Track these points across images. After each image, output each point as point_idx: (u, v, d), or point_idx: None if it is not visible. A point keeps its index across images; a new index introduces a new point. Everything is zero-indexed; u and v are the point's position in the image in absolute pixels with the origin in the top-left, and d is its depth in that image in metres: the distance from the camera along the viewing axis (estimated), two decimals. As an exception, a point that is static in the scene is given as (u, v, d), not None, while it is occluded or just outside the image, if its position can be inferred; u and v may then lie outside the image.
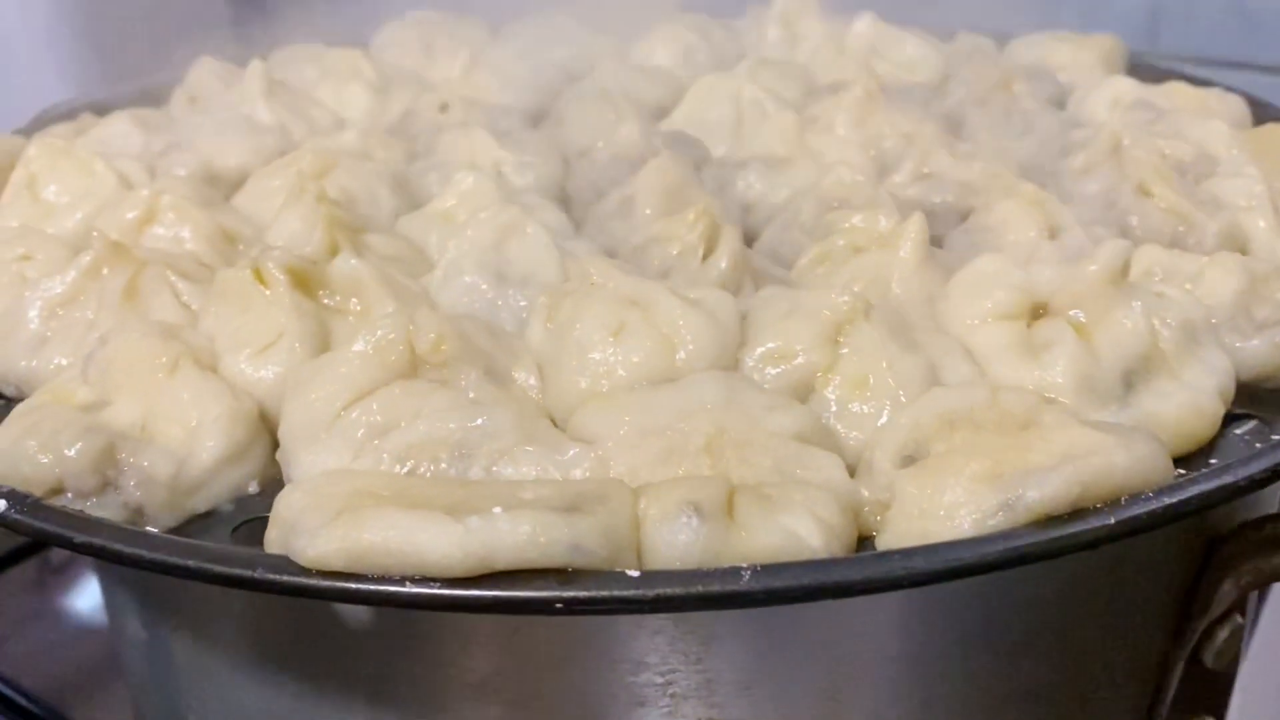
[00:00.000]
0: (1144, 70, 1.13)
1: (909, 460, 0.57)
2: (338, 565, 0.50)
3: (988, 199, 0.78)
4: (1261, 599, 0.86)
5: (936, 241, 0.82)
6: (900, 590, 0.53)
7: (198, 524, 0.59)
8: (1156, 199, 0.78)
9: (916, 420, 0.58)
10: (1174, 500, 0.53)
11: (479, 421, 0.57)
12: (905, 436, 0.58)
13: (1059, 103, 1.07)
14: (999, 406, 0.59)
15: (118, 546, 0.52)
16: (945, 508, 0.53)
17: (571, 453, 0.57)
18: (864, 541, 0.56)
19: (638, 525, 0.52)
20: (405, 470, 0.57)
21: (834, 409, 0.61)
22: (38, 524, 0.54)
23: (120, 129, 0.97)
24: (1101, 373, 0.62)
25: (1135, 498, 0.53)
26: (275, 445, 0.62)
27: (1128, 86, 1.00)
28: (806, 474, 0.56)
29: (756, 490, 0.53)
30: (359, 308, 0.68)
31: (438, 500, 0.51)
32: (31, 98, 1.14)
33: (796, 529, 0.51)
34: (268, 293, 0.66)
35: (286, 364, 0.64)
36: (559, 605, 0.49)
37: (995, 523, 0.52)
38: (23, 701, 1.17)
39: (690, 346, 0.61)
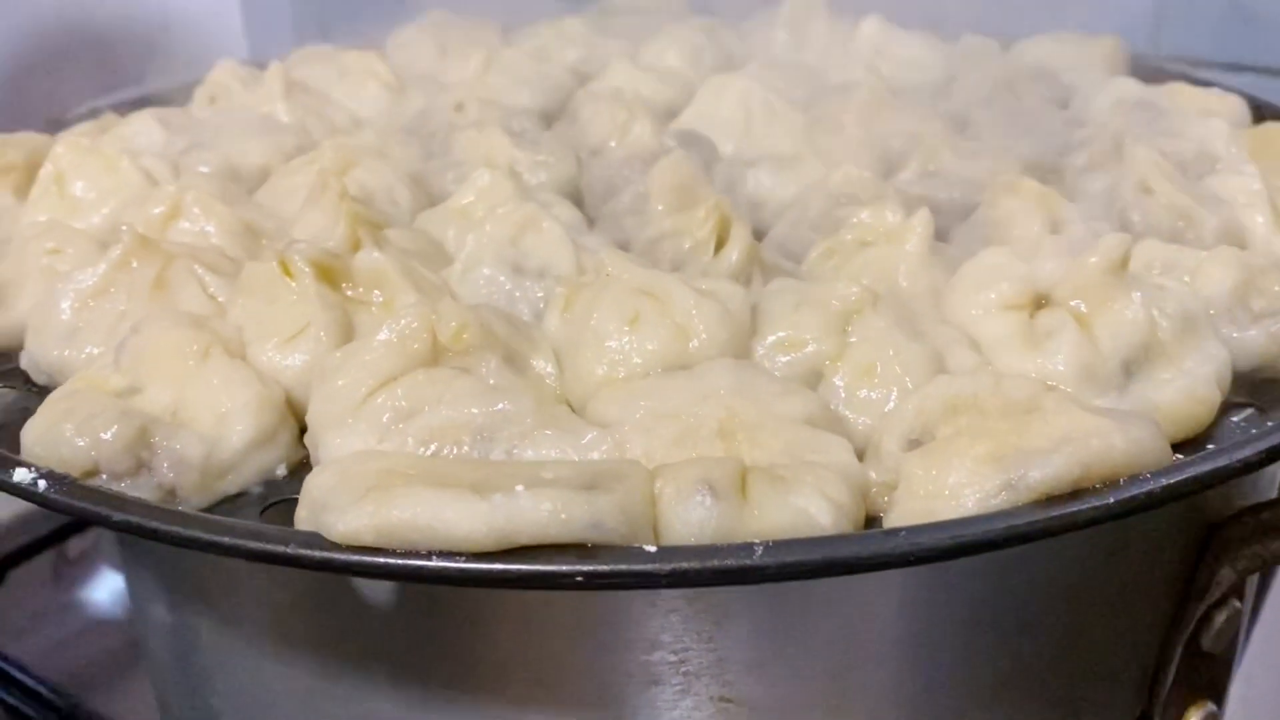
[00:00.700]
0: (1146, 71, 1.15)
1: (915, 444, 0.60)
2: (367, 540, 0.52)
3: (993, 194, 0.80)
4: (1263, 587, 0.88)
5: (942, 236, 0.84)
6: (907, 567, 0.55)
7: (228, 505, 0.61)
8: (1158, 195, 0.80)
9: (922, 406, 0.60)
10: (1171, 481, 0.55)
11: (500, 406, 0.59)
12: (911, 421, 0.60)
13: (1063, 103, 1.09)
14: (1002, 393, 0.61)
15: (154, 524, 0.54)
16: (950, 488, 0.55)
17: (589, 436, 0.59)
18: (872, 521, 0.58)
19: (654, 503, 0.54)
20: (429, 452, 0.59)
21: (843, 395, 0.63)
22: (77, 503, 0.57)
23: (142, 127, 1.00)
24: (1102, 361, 0.64)
25: (1134, 478, 0.55)
26: (302, 430, 0.64)
27: (1130, 87, 1.02)
28: (816, 456, 0.58)
29: (768, 471, 0.55)
30: (381, 299, 0.70)
31: (463, 478, 0.53)
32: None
33: (807, 507, 0.54)
34: (294, 285, 0.68)
35: (312, 353, 0.66)
36: (579, 579, 0.51)
37: (998, 502, 0.54)
38: (43, 691, 1.18)
39: (703, 335, 0.64)
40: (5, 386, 0.73)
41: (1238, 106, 1.01)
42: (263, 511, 0.61)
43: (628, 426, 0.59)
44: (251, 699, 0.73)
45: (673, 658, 0.62)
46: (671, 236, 0.76)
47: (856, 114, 0.96)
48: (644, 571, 0.51)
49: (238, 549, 0.53)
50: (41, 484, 0.58)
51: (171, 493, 0.60)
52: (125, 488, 0.60)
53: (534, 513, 0.51)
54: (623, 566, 0.51)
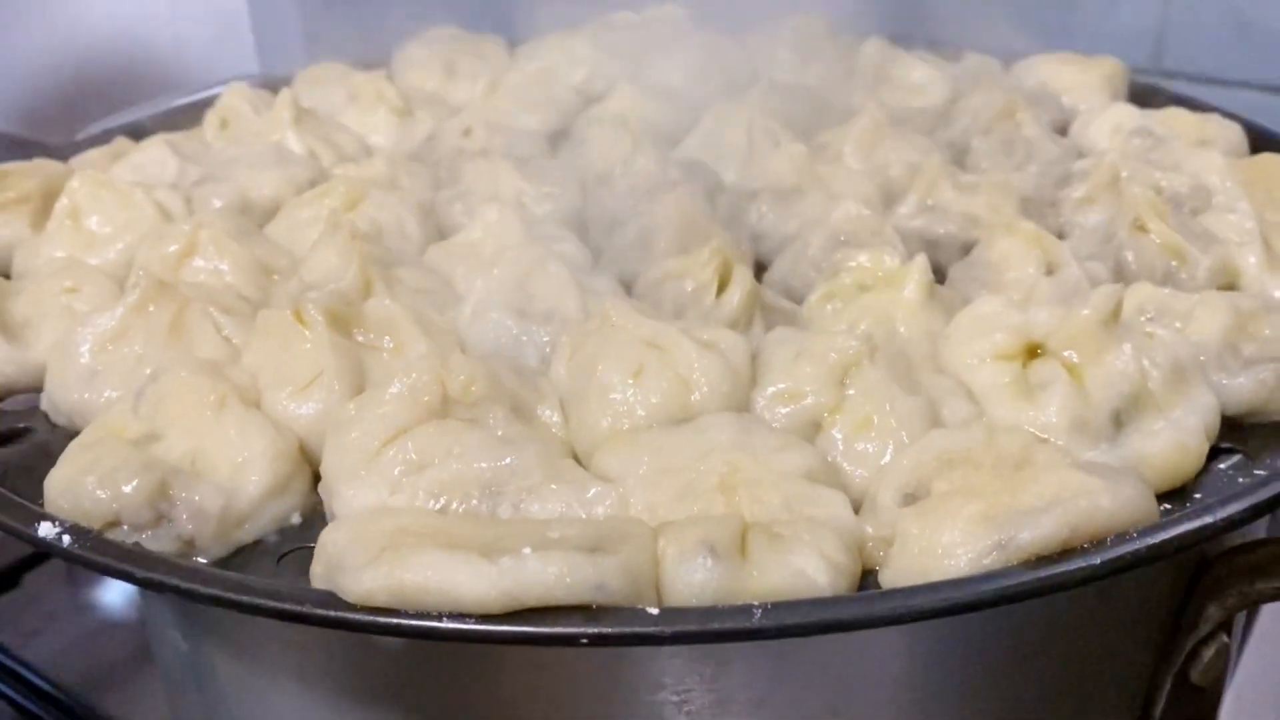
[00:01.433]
0: (1145, 93, 1.17)
1: (910, 498, 0.61)
2: (381, 602, 0.54)
3: (990, 233, 0.82)
4: (1250, 620, 0.90)
5: (939, 271, 0.86)
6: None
7: (245, 554, 0.63)
8: (1152, 234, 0.82)
9: (918, 460, 0.62)
10: (1155, 541, 0.57)
11: (507, 461, 0.61)
12: (907, 476, 0.62)
13: (1062, 127, 1.10)
14: (995, 447, 0.63)
15: (176, 582, 0.57)
16: (943, 547, 0.57)
17: (594, 491, 0.61)
18: (868, 574, 0.60)
19: (657, 563, 0.56)
20: (439, 506, 0.61)
21: (840, 447, 0.65)
22: (100, 559, 0.59)
23: (155, 155, 1.02)
24: (1093, 413, 0.65)
25: (1120, 538, 0.57)
26: (316, 478, 0.66)
27: (1128, 114, 1.04)
28: (814, 511, 0.60)
29: (768, 529, 0.57)
30: (392, 345, 0.72)
31: (473, 540, 0.55)
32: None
33: (805, 568, 0.56)
34: (307, 333, 0.70)
35: (325, 401, 0.68)
36: (584, 640, 0.53)
37: (989, 561, 0.56)
38: (55, 694, 1.20)
39: (705, 389, 0.65)
40: (26, 426, 0.75)
41: (1235, 134, 1.02)
42: (279, 560, 0.63)
43: (631, 481, 0.61)
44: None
45: (675, 698, 0.64)
46: (675, 278, 0.78)
47: (856, 143, 0.97)
48: (647, 633, 0.53)
49: (259, 608, 0.55)
50: (65, 539, 0.60)
51: (190, 543, 0.62)
52: (145, 539, 0.62)
53: (540, 576, 0.53)
54: (626, 629, 0.53)
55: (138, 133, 1.13)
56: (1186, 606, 0.72)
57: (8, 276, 0.91)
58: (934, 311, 0.74)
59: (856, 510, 0.62)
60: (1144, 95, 1.15)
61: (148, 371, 0.72)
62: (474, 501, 0.61)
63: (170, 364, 0.71)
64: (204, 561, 0.62)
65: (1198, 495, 0.65)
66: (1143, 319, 0.75)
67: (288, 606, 0.55)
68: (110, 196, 0.90)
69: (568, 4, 1.35)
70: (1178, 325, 0.73)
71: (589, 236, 0.95)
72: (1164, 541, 0.57)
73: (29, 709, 1.19)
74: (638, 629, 0.53)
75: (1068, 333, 0.68)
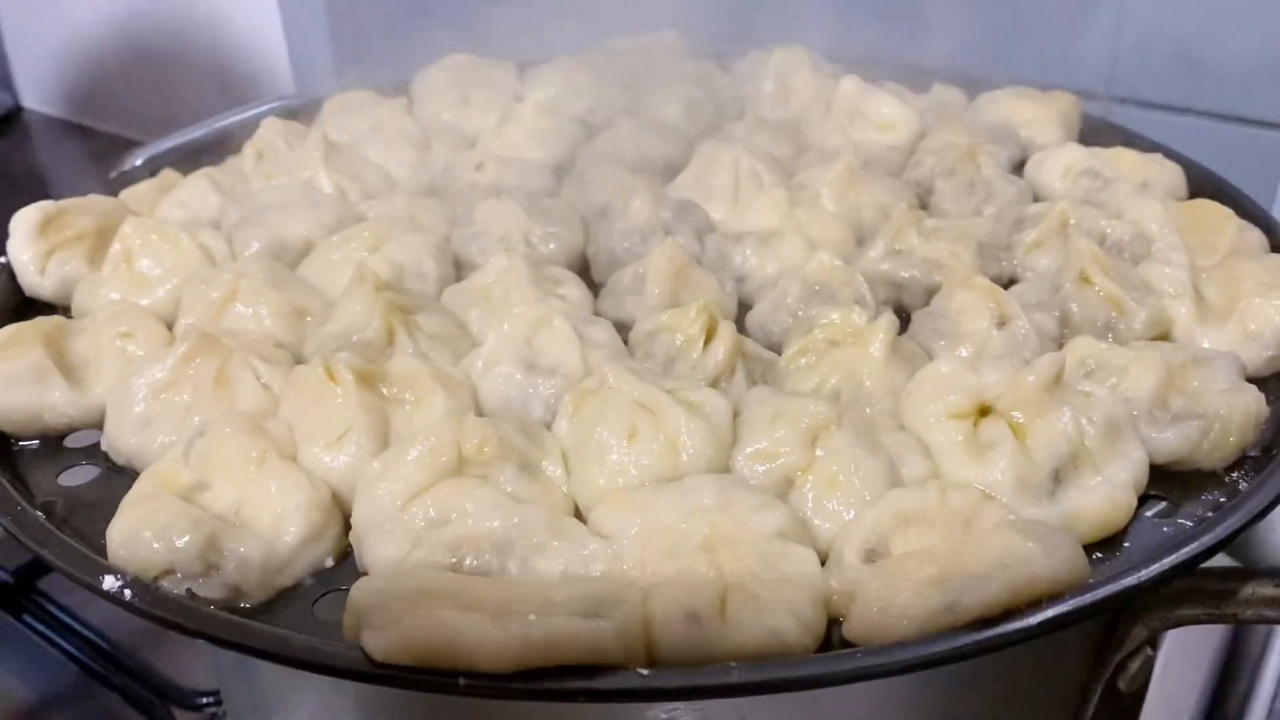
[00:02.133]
0: (1097, 126, 1.17)
1: (872, 554, 0.63)
2: (403, 660, 0.56)
3: (949, 284, 0.83)
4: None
5: (903, 312, 0.88)
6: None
7: (285, 596, 0.65)
8: (1095, 287, 0.83)
9: (878, 519, 0.64)
10: (1086, 604, 0.59)
11: (515, 520, 0.63)
12: (868, 533, 0.64)
13: (1019, 161, 1.11)
14: (947, 505, 0.65)
15: (225, 636, 0.59)
16: (899, 608, 0.59)
17: (591, 548, 0.63)
18: (833, 623, 0.62)
19: (647, 623, 0.58)
20: (455, 560, 0.62)
21: (810, 504, 0.66)
22: (155, 611, 0.61)
23: (198, 191, 1.02)
24: (1035, 471, 0.67)
25: (1055, 599, 0.59)
26: (347, 525, 0.68)
27: (1078, 155, 1.04)
28: (786, 568, 0.62)
29: (745, 589, 0.59)
30: (413, 398, 0.73)
31: (486, 602, 0.57)
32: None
33: (778, 628, 0.58)
34: (338, 389, 0.72)
35: (354, 455, 0.70)
36: (581, 696, 0.55)
37: (940, 621, 0.58)
38: (113, 652, 1.22)
39: (692, 450, 0.67)
40: (89, 463, 0.77)
41: (1176, 176, 1.03)
42: (314, 603, 0.65)
43: (624, 540, 0.63)
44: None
45: (664, 716, 0.66)
46: (666, 331, 0.79)
47: (832, 186, 0.98)
48: (637, 690, 0.55)
49: (295, 661, 0.58)
50: (127, 594, 0.62)
51: (237, 590, 0.64)
52: (197, 586, 0.64)
53: (544, 639, 0.55)
54: (619, 687, 0.55)
55: (182, 159, 1.14)
56: (1115, 628, 0.75)
57: (68, 309, 0.92)
58: (897, 365, 0.76)
59: (824, 561, 0.64)
60: (1095, 131, 1.15)
61: (196, 420, 0.74)
62: (486, 557, 0.62)
63: (216, 415, 0.73)
64: (247, 605, 0.64)
65: (1127, 544, 0.67)
66: (1083, 372, 0.76)
67: (323, 661, 0.57)
68: (159, 240, 0.91)
69: (577, 28, 1.35)
70: (1113, 381, 0.74)
71: (591, 271, 0.96)
72: (1094, 603, 0.59)
73: (89, 665, 1.22)
74: (629, 686, 0.55)
75: (1015, 396, 0.69)
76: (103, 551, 0.66)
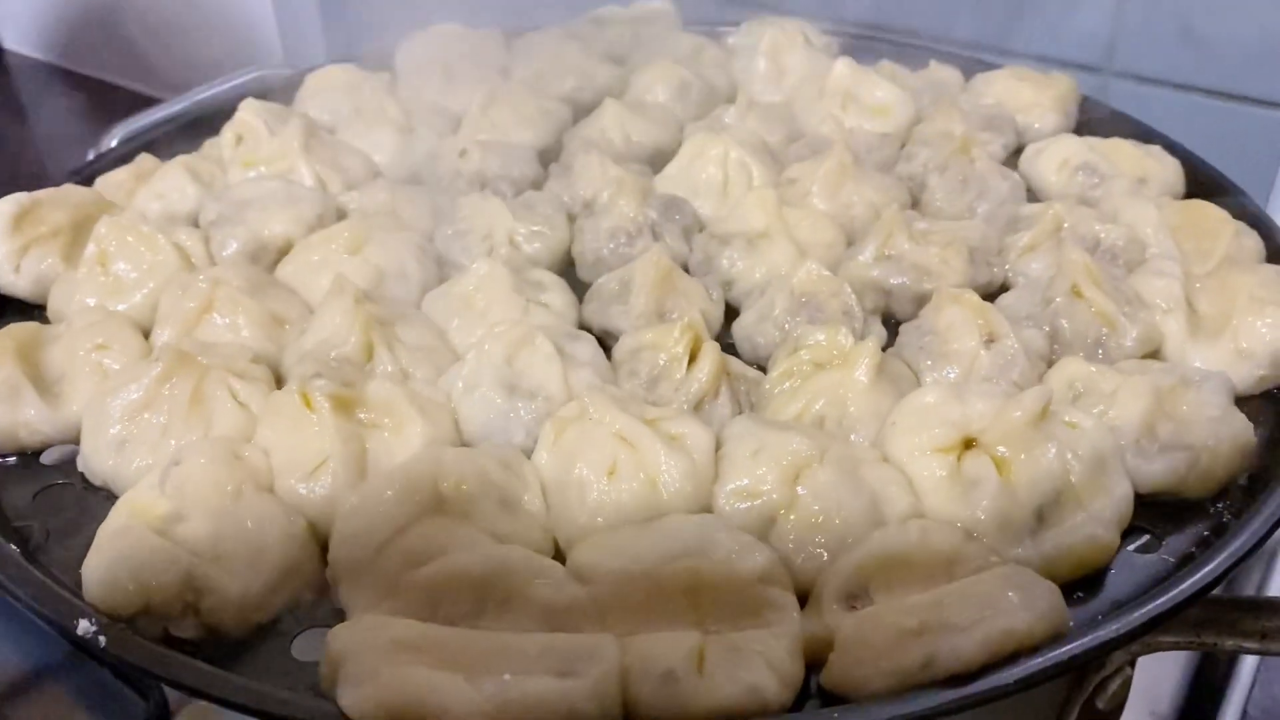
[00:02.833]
0: (1094, 111, 1.14)
1: (851, 598, 0.63)
2: (376, 717, 0.56)
3: (939, 300, 0.82)
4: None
5: (891, 321, 0.86)
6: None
7: (263, 631, 0.65)
8: (1087, 300, 0.81)
9: (859, 564, 0.63)
10: (1063, 659, 0.59)
11: (494, 564, 0.62)
12: (847, 577, 0.63)
13: (1015, 148, 1.08)
14: (928, 547, 0.64)
15: (201, 686, 0.59)
16: (875, 660, 0.58)
17: (570, 593, 0.62)
18: (811, 668, 0.61)
19: (623, 679, 0.57)
20: (432, 604, 0.62)
21: (791, 544, 0.66)
22: (125, 657, 0.60)
23: (175, 182, 1.00)
24: (1018, 510, 0.66)
25: (1033, 653, 0.59)
26: (323, 558, 0.67)
27: (1075, 148, 1.02)
28: (767, 614, 0.61)
29: (724, 640, 0.59)
30: (391, 424, 0.72)
31: (460, 660, 0.57)
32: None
33: (755, 682, 0.57)
34: (314, 417, 0.70)
35: (331, 486, 0.69)
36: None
37: (919, 676, 0.58)
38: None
39: (672, 488, 0.66)
40: (66, 481, 0.76)
41: (1173, 172, 1.00)
42: (291, 640, 0.64)
43: (604, 586, 0.62)
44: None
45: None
46: (650, 349, 0.78)
47: (823, 183, 0.96)
48: (611, 751, 0.55)
49: (271, 715, 0.57)
50: (101, 640, 0.61)
51: (213, 629, 0.64)
52: (173, 626, 0.63)
53: (519, 700, 0.55)
54: (593, 749, 0.55)
55: (159, 140, 1.12)
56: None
57: (44, 308, 0.91)
58: (883, 389, 0.74)
59: (803, 601, 0.64)
60: (1092, 118, 1.13)
61: (173, 444, 0.72)
62: (464, 602, 0.62)
63: (192, 441, 0.72)
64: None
65: (1108, 581, 0.67)
66: (1071, 395, 0.75)
67: (298, 716, 0.57)
68: (135, 241, 0.89)
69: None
70: (1101, 408, 0.73)
71: (576, 271, 0.95)
72: (1070, 659, 0.59)
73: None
74: (604, 748, 0.55)
75: (1000, 430, 0.68)
76: (78, 584, 0.65)
